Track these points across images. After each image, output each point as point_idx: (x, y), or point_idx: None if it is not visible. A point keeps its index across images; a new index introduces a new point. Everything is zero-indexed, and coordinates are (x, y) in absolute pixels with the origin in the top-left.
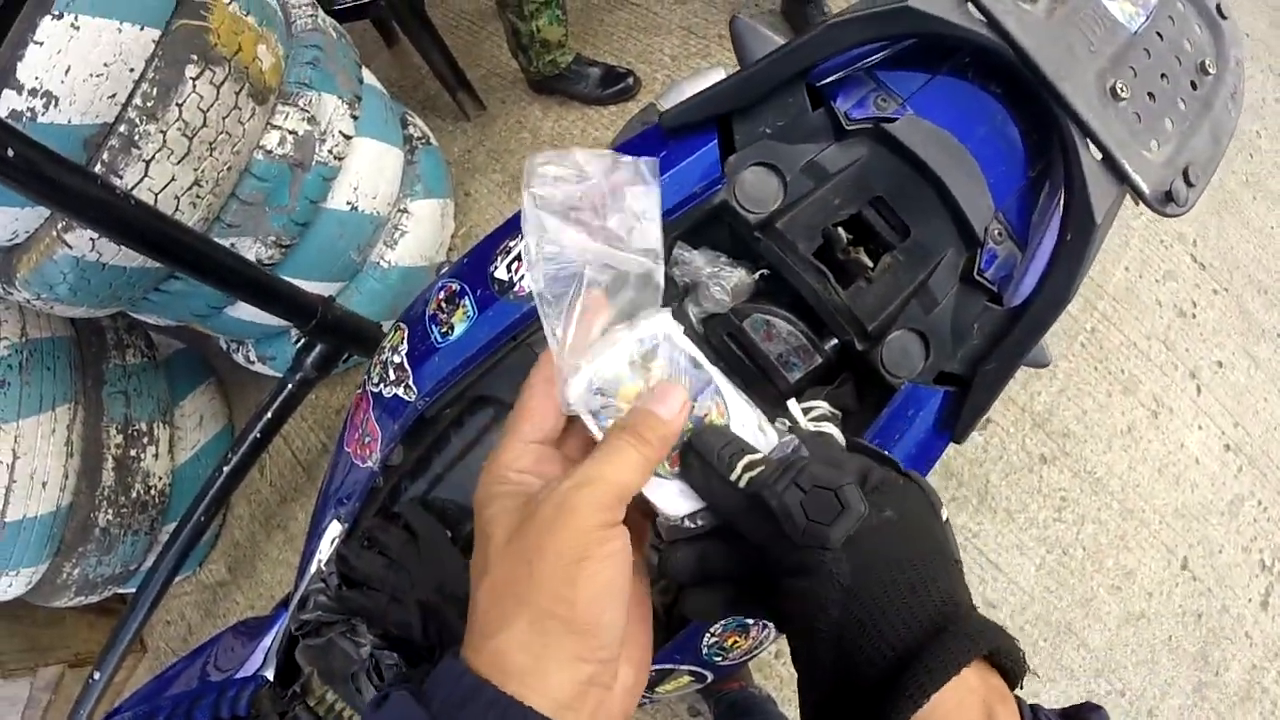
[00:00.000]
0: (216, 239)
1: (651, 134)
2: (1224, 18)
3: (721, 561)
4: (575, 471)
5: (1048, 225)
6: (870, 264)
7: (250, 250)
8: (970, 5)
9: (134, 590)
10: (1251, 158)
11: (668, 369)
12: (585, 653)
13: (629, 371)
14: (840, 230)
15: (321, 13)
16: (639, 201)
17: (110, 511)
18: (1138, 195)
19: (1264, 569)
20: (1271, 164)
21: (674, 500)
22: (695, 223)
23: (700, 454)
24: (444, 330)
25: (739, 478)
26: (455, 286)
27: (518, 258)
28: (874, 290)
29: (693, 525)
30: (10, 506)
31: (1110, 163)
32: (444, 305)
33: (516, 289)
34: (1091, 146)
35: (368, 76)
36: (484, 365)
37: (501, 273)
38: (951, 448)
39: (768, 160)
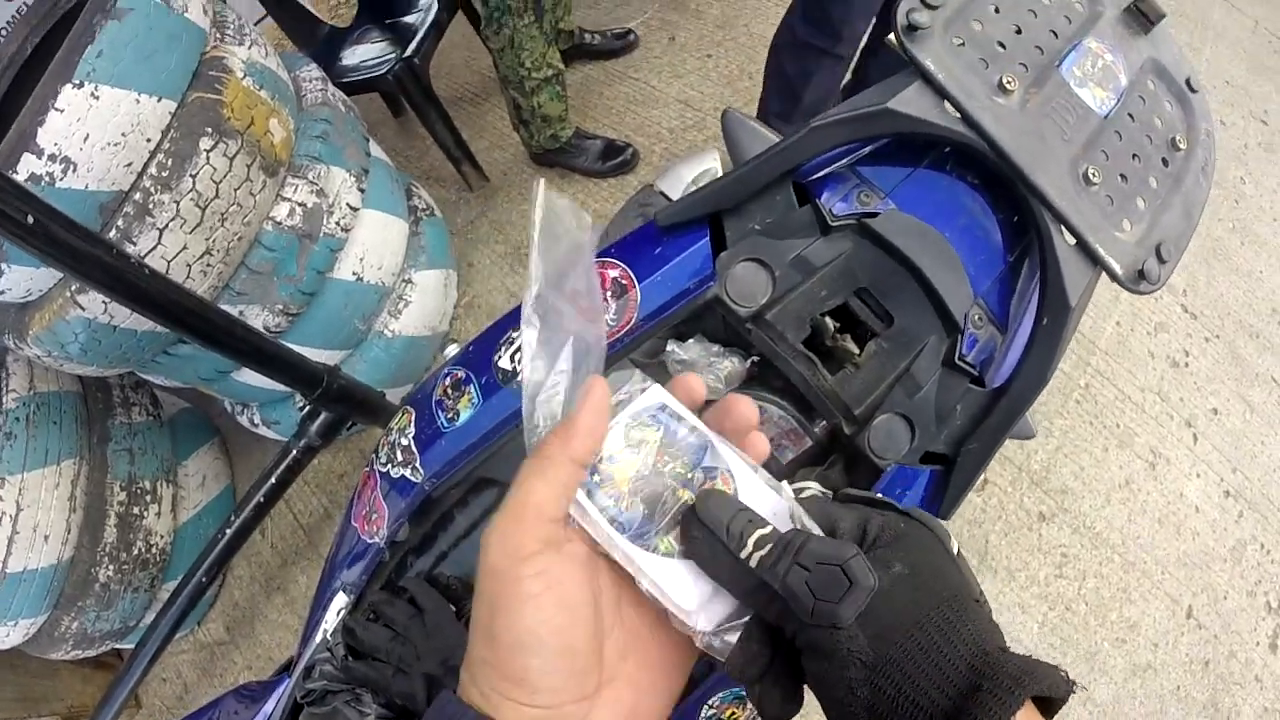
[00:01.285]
0: (225, 306)
1: (647, 231)
2: (1194, 91)
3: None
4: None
5: (1028, 304)
6: (856, 351)
7: (258, 318)
8: (947, 104)
9: (131, 646)
10: (1237, 204)
11: (663, 436)
12: (522, 698)
13: (625, 450)
14: (827, 320)
15: (331, 86)
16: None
17: (111, 567)
18: (1111, 276)
19: (1270, 611)
20: (1257, 209)
21: (686, 588)
22: (689, 315)
23: (707, 526)
24: (450, 416)
25: (749, 555)
26: (461, 374)
27: (520, 348)
28: (860, 376)
29: (718, 640)
30: (12, 557)
31: (1083, 246)
32: (450, 392)
33: (520, 378)
34: (1065, 231)
35: (374, 149)
36: (488, 449)
37: (505, 362)
38: None
39: (757, 255)
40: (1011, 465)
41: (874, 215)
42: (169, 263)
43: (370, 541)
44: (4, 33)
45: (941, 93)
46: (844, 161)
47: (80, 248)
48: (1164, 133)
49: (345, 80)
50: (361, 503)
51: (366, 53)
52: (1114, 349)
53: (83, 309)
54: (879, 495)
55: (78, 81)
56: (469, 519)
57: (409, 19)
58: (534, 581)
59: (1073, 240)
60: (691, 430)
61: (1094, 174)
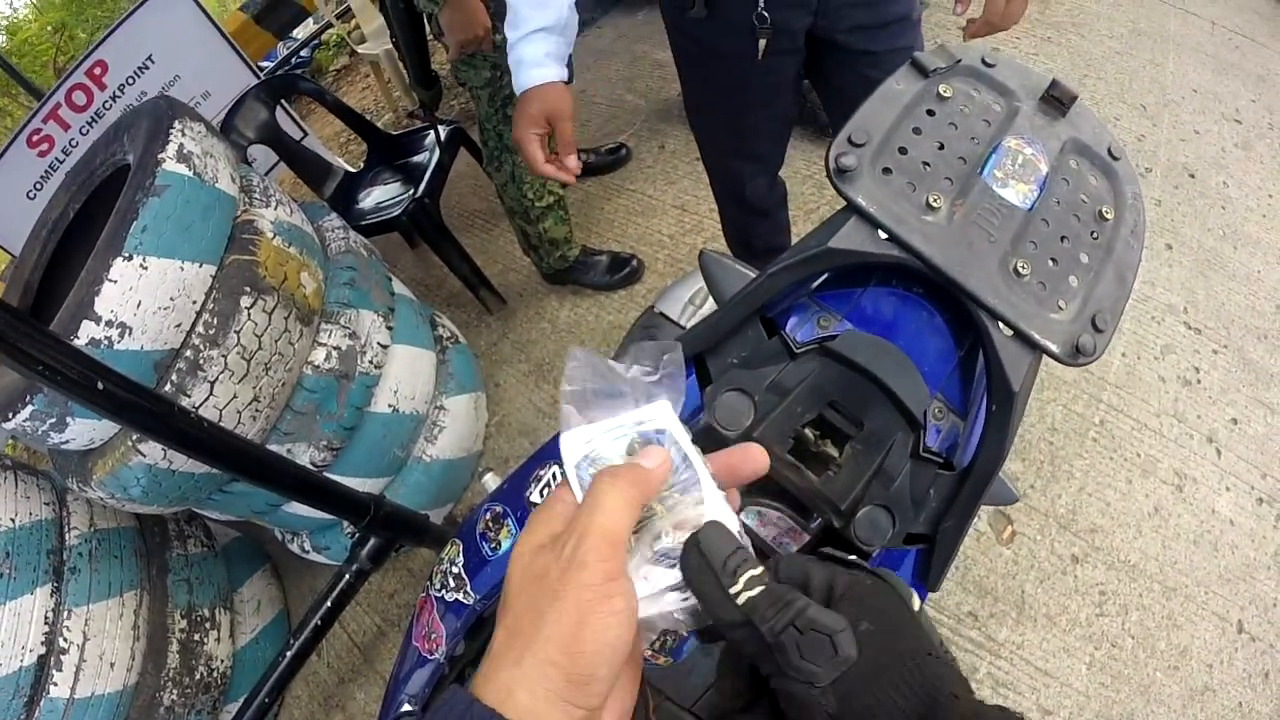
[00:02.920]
0: (274, 446)
1: None
2: (1115, 159)
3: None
4: (574, 524)
5: (984, 388)
6: (836, 454)
7: (304, 455)
8: (880, 232)
9: None
10: (1224, 209)
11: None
12: (579, 700)
13: (624, 457)
14: (807, 431)
15: (353, 234)
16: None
17: (175, 692)
18: (1050, 356)
19: None
20: (1244, 209)
21: (646, 590)
22: None
23: (705, 555)
24: (493, 546)
25: (739, 592)
26: (499, 509)
27: (548, 484)
28: (841, 476)
29: (664, 636)
30: (79, 684)
31: (1020, 335)
32: (491, 525)
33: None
34: (1002, 324)
35: (397, 286)
36: None
37: (535, 497)
38: (984, 565)
39: (738, 385)
40: (1038, 513)
41: (833, 337)
42: (221, 411)
43: (431, 658)
44: (38, 186)
45: (874, 224)
46: (803, 292)
47: (146, 407)
48: (1090, 207)
49: (363, 223)
50: (420, 624)
51: (381, 195)
52: (1123, 380)
53: (143, 455)
54: (852, 557)
55: (127, 254)
56: None
57: (416, 159)
58: (620, 600)
59: (1010, 331)
60: (684, 459)
61: (1023, 266)
